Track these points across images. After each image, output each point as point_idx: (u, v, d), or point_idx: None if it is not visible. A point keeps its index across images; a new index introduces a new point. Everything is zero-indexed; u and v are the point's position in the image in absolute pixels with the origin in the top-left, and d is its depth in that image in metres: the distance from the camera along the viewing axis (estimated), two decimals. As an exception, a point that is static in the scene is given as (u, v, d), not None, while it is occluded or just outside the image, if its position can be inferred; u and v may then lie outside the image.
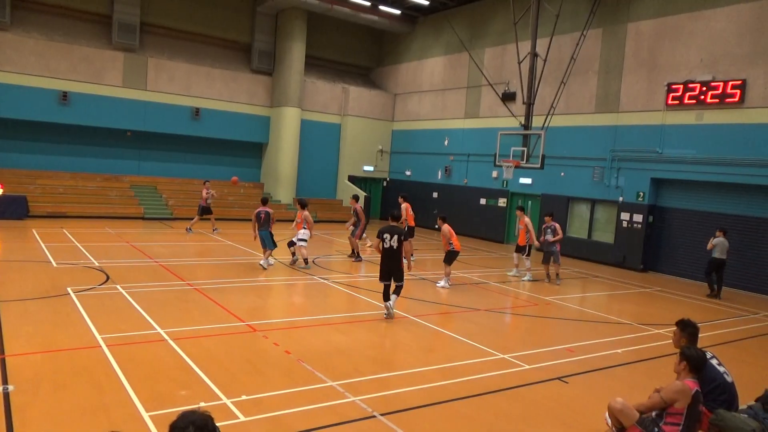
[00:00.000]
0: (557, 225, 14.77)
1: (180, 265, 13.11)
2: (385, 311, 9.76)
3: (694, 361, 4.54)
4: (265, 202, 14.70)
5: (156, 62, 23.62)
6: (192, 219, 19.50)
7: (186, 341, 7.72)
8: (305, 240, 14.11)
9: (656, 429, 4.48)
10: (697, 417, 4.38)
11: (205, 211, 19.28)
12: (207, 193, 19.24)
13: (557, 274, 14.75)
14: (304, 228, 14.06)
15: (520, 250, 15.32)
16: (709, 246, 14.59)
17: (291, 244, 14.50)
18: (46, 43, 21.39)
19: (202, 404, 5.73)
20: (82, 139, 23.03)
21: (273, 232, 14.06)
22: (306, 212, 14.29)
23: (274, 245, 14.00)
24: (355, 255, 15.81)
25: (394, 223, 9.96)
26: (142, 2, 23.26)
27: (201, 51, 25.53)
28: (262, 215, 13.83)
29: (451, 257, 12.97)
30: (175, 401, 5.81)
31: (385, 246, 9.60)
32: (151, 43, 24.32)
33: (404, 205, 16.35)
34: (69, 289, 10.04)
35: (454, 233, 13.04)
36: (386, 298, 9.80)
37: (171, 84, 23.95)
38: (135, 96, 23.15)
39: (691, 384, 4.44)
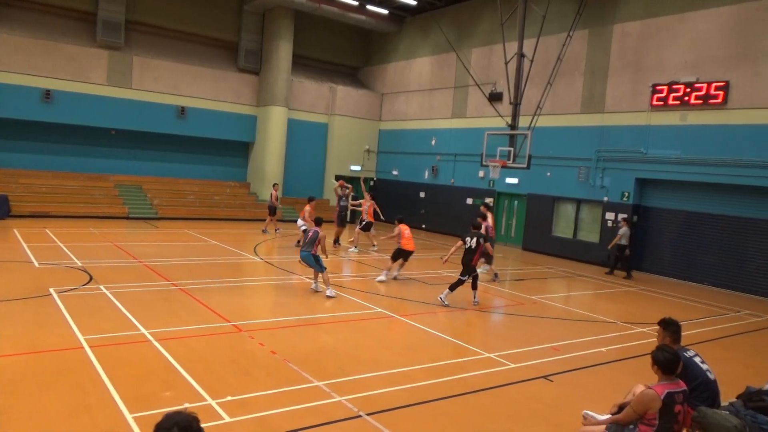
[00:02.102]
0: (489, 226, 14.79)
1: (165, 266, 13.00)
2: (441, 295, 11.31)
3: (663, 364, 4.56)
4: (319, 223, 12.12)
5: (141, 61, 23.40)
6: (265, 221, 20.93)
7: (171, 342, 7.66)
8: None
9: (632, 426, 4.53)
10: (672, 418, 4.42)
11: (272, 212, 20.67)
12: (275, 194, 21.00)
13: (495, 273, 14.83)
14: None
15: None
16: (617, 239, 16.77)
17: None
18: (29, 40, 21.11)
19: (187, 405, 5.69)
20: (65, 137, 22.76)
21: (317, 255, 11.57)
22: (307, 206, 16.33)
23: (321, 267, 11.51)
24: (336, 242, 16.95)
25: (475, 230, 11.52)
26: (127, 0, 23.04)
27: (187, 49, 25.34)
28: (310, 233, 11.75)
29: (397, 254, 13.39)
30: (159, 402, 5.76)
31: (466, 247, 11.30)
32: (137, 42, 24.10)
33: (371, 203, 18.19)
34: (51, 290, 9.92)
35: (405, 234, 13.37)
36: (452, 288, 11.37)
37: (156, 83, 23.75)
38: (120, 94, 22.92)
39: (659, 389, 4.45)
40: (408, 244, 13.25)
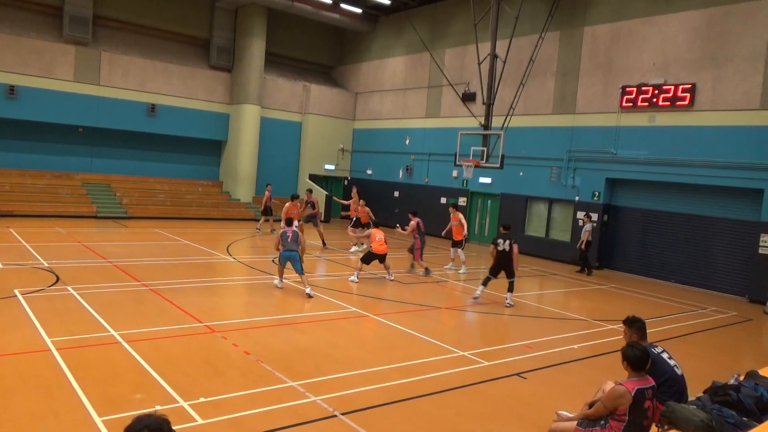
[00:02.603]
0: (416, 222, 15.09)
1: (135, 266, 12.75)
2: (476, 294, 12.06)
3: (633, 361, 4.63)
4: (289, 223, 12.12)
5: (110, 56, 22.90)
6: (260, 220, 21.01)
7: (141, 343, 7.51)
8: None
9: (603, 422, 4.60)
10: (642, 414, 4.50)
11: (266, 212, 20.84)
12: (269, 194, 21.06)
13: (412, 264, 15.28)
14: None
15: (456, 244, 15.83)
16: (587, 236, 17.15)
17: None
18: (-9, 34, 20.51)
19: (158, 407, 5.59)
20: (30, 134, 22.15)
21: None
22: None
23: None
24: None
25: (505, 231, 12.05)
26: (95, -6, 22.56)
27: (157, 46, 24.90)
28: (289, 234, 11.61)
29: (369, 257, 13.37)
30: (129, 405, 5.64)
31: (499, 249, 11.73)
32: (105, 37, 23.58)
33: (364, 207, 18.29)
34: (16, 291, 9.63)
35: (376, 238, 13.37)
36: (484, 283, 11.99)
37: (125, 79, 23.27)
38: (87, 91, 22.39)
39: (630, 385, 4.53)
40: (379, 248, 13.25)
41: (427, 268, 14.67)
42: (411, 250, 15.05)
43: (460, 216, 15.86)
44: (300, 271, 11.25)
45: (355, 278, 13.04)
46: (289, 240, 11.38)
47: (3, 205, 19.39)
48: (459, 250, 15.71)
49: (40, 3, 22.20)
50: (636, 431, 4.48)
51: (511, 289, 11.87)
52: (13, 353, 6.86)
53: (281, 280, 11.76)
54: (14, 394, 5.73)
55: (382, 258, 13.40)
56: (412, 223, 14.89)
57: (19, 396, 5.69)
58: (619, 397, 4.48)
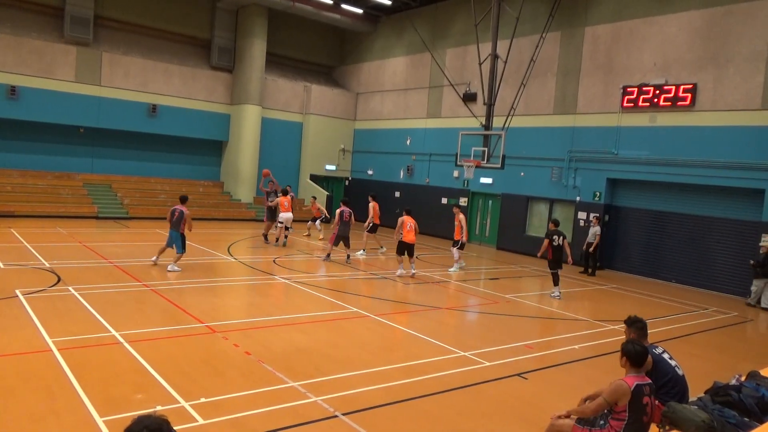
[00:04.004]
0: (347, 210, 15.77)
1: (136, 266, 12.76)
2: (556, 293, 13.05)
3: (632, 356, 4.63)
4: (183, 200, 13.20)
5: (111, 57, 22.92)
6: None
7: (142, 344, 7.51)
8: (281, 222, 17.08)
9: (602, 422, 4.59)
10: (641, 410, 4.51)
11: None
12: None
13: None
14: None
15: (455, 243, 15.96)
16: (597, 240, 17.19)
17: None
18: (-8, 34, 20.53)
19: (159, 408, 5.59)
20: (31, 135, 22.16)
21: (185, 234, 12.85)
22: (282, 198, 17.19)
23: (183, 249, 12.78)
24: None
25: (556, 227, 13.26)
26: (96, -5, 22.58)
27: (158, 46, 24.92)
28: (176, 213, 12.69)
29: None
30: (130, 405, 5.64)
31: (554, 244, 12.94)
32: (106, 38, 23.60)
33: (371, 204, 17.68)
34: (17, 291, 9.64)
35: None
36: (555, 282, 13.13)
37: (126, 80, 23.28)
38: (88, 91, 22.40)
39: (629, 380, 4.53)
40: (408, 236, 14.10)
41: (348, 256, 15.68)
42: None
43: (461, 218, 15.88)
44: (181, 250, 12.68)
45: (363, 253, 14.48)
46: (174, 218, 12.63)
47: (4, 205, 19.41)
48: (454, 249, 15.81)
49: (41, 3, 22.23)
50: (637, 429, 4.48)
51: (557, 282, 13.06)
52: (15, 353, 6.87)
53: (157, 257, 13.04)
54: (15, 394, 5.74)
55: (411, 249, 14.01)
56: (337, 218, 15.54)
57: (20, 396, 5.70)
58: (621, 391, 4.48)
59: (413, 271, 14.18)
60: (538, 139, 20.23)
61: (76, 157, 23.27)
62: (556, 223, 13.52)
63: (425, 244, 21.40)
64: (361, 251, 17.26)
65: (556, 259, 13.06)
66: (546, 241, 13.05)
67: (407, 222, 14.33)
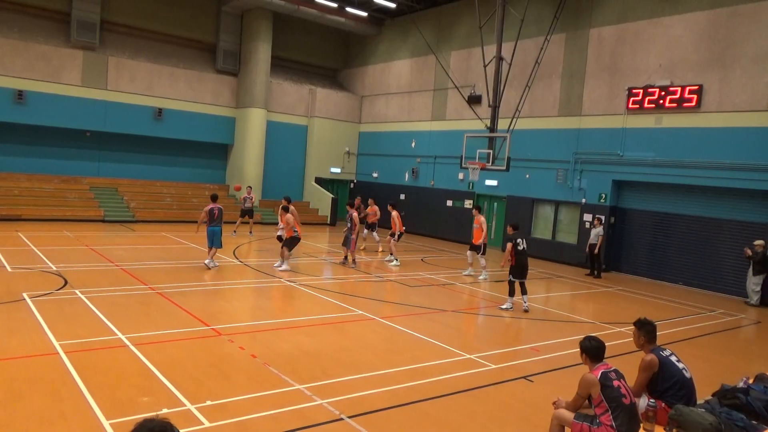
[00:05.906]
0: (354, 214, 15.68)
1: (142, 269, 12.81)
2: (506, 306, 11.62)
3: (590, 352, 4.88)
4: (215, 198, 14.36)
5: (117, 61, 23.06)
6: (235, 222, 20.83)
7: (148, 346, 7.54)
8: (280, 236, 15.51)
9: (597, 421, 4.68)
10: (617, 394, 4.62)
11: (244, 214, 20.77)
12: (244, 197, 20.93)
13: (353, 259, 15.75)
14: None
15: (474, 248, 15.45)
16: (601, 241, 17.03)
17: (279, 237, 15.41)
18: (0, 40, 20.65)
19: (165, 411, 5.60)
20: (38, 139, 22.31)
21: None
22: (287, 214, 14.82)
23: (220, 245, 13.79)
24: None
25: (517, 230, 11.89)
26: (102, 0, 22.70)
27: (164, 50, 25.04)
28: (216, 212, 13.62)
29: (292, 243, 14.18)
30: (136, 408, 5.66)
31: (518, 248, 11.55)
32: (112, 42, 23.74)
33: (393, 213, 17.01)
34: (25, 295, 9.70)
35: (298, 221, 14.31)
36: (522, 292, 11.59)
37: (132, 84, 23.41)
38: (95, 95, 22.55)
39: (595, 372, 4.75)
40: (292, 231, 14.02)
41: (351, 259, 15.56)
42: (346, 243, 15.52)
43: (482, 220, 15.37)
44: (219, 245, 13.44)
45: (286, 267, 13.89)
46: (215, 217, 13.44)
47: (12, 209, 19.54)
48: (478, 255, 15.21)
49: (48, 9, 22.39)
50: (625, 414, 4.57)
51: (525, 291, 11.70)
52: (22, 356, 6.91)
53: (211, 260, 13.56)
54: (23, 397, 5.77)
55: (297, 241, 14.23)
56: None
57: (27, 399, 5.73)
58: (586, 382, 4.72)
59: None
60: (543, 141, 20.20)
61: (83, 161, 23.40)
62: (516, 227, 11.99)
63: (430, 246, 21.39)
64: (395, 261, 16.41)
65: (520, 266, 11.60)
66: (509, 246, 11.60)
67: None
